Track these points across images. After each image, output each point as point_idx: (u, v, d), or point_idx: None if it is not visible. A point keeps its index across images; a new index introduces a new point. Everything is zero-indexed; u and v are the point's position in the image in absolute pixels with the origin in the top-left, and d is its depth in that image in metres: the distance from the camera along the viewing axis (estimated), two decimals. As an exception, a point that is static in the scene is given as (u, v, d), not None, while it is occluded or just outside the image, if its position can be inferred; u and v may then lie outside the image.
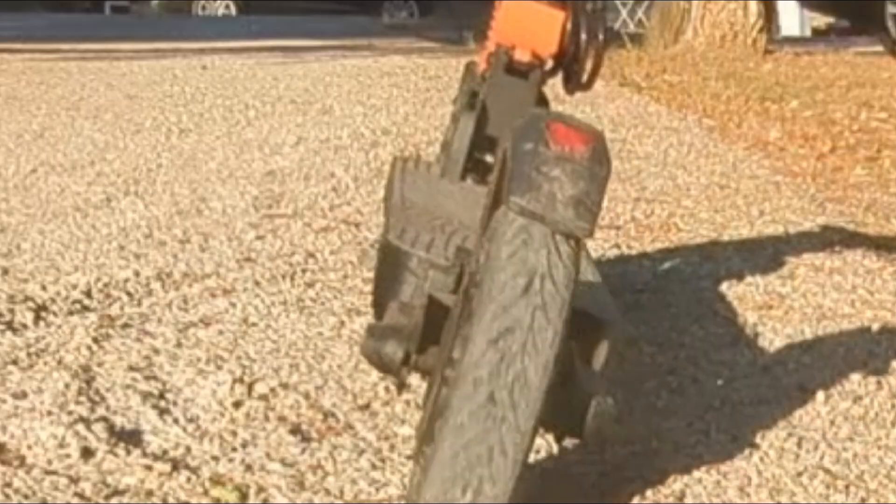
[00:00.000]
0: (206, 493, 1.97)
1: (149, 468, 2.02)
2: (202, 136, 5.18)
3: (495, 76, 2.49)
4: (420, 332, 1.90)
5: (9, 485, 1.95)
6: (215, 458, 2.08)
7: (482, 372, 1.72)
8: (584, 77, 2.51)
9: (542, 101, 2.62)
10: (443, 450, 1.72)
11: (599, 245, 3.58)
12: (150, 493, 1.96)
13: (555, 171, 1.76)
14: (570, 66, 2.50)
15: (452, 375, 1.76)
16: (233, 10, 19.42)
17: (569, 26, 2.45)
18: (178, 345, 2.62)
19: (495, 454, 1.72)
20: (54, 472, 2.00)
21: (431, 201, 2.38)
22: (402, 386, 1.96)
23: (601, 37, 2.46)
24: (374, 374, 2.48)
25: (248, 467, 2.07)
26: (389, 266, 2.10)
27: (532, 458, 2.16)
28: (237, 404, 2.31)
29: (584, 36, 2.44)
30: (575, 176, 1.76)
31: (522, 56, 2.47)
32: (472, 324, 1.74)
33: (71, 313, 2.80)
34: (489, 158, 2.44)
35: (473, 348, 1.72)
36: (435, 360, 1.89)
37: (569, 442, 2.25)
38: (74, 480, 1.98)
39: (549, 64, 2.53)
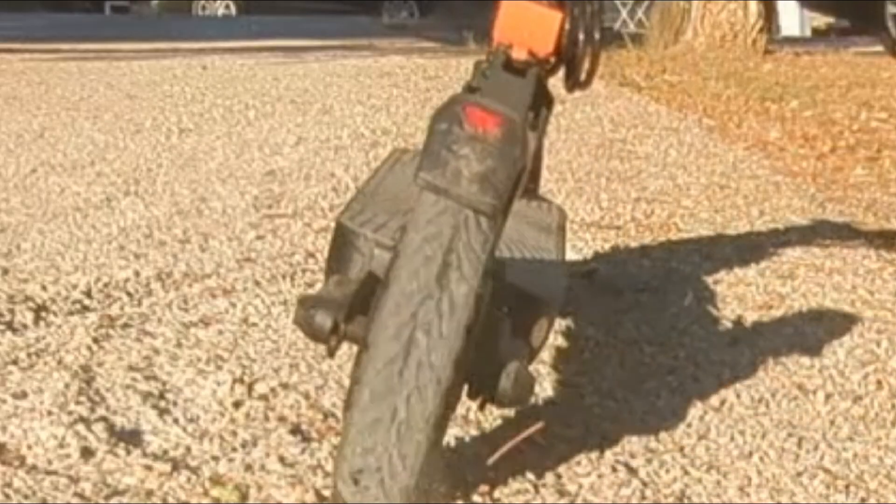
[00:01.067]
0: (206, 493, 1.97)
1: (149, 468, 2.02)
2: (202, 136, 5.18)
3: (492, 73, 2.52)
4: (349, 302, 1.96)
5: (9, 485, 1.95)
6: (215, 458, 2.08)
7: (390, 336, 1.84)
8: (582, 76, 2.56)
9: (547, 98, 2.66)
10: (357, 414, 1.83)
11: (600, 245, 3.58)
12: (150, 493, 1.96)
13: (464, 149, 1.86)
14: (569, 64, 2.55)
15: (366, 341, 1.86)
16: (233, 10, 19.43)
17: (567, 26, 2.51)
18: (178, 345, 2.62)
19: (404, 418, 1.82)
20: (54, 472, 2.00)
21: (408, 190, 2.39)
22: (331, 353, 2.01)
23: (597, 36, 2.52)
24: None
25: (249, 467, 2.07)
26: (339, 246, 2.16)
27: (534, 458, 2.16)
28: (237, 404, 2.31)
29: (581, 36, 2.52)
30: (484, 154, 1.86)
31: (519, 54, 2.51)
32: (385, 290, 1.85)
33: (71, 313, 2.80)
34: None
35: (384, 313, 1.83)
36: (363, 330, 1.94)
37: (569, 443, 2.25)
38: (74, 480, 1.98)
39: (552, 62, 2.55)
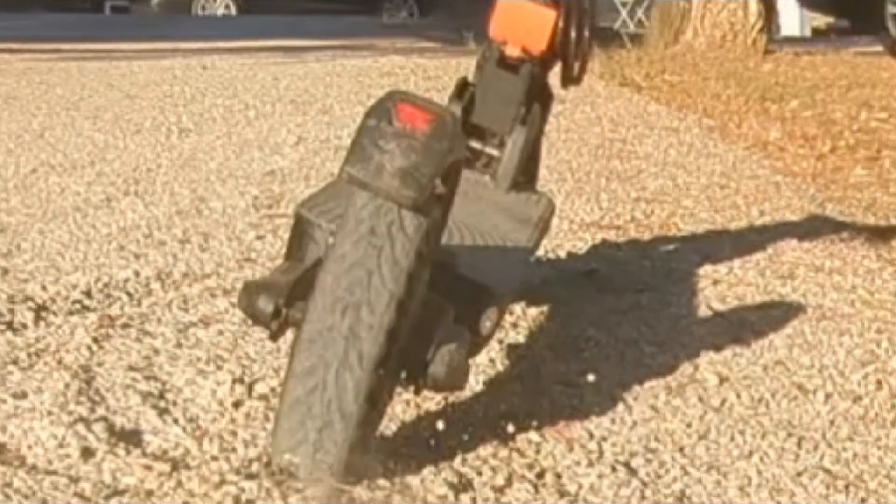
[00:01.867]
0: (206, 493, 1.97)
1: (149, 468, 2.02)
2: (202, 136, 5.18)
3: (487, 69, 2.67)
4: (291, 288, 2.03)
5: (9, 485, 1.95)
6: (215, 459, 2.08)
7: (322, 315, 1.92)
8: (575, 72, 2.72)
9: (544, 93, 2.76)
10: (289, 389, 1.94)
11: (600, 245, 3.58)
12: (150, 493, 1.96)
13: (390, 144, 1.91)
14: (563, 61, 2.71)
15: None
16: (233, 10, 19.42)
17: (561, 24, 2.62)
18: (178, 345, 2.62)
19: (327, 421, 1.91)
20: (54, 472, 2.00)
21: None
22: (274, 336, 2.08)
23: (587, 34, 2.65)
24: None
25: (249, 467, 2.06)
26: (297, 235, 2.24)
27: (535, 463, 2.16)
28: (237, 404, 2.31)
29: (573, 34, 2.63)
30: (409, 150, 1.91)
31: (512, 51, 2.64)
32: (311, 296, 1.94)
33: (71, 313, 2.80)
34: (476, 145, 2.63)
35: (318, 294, 1.92)
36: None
37: (569, 443, 2.25)
38: (74, 480, 1.98)
39: (552, 57, 2.71)
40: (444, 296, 2.08)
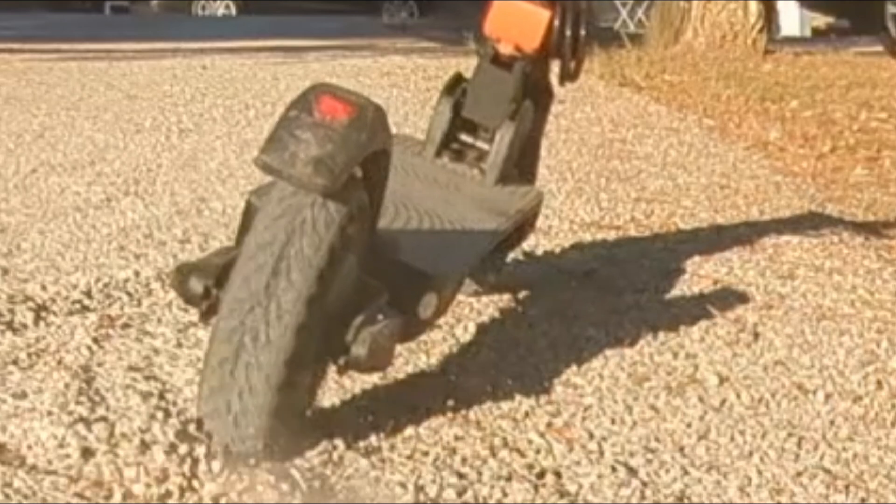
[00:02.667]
0: (207, 493, 1.97)
1: (149, 468, 2.02)
2: (202, 136, 5.18)
3: (481, 66, 2.77)
4: (221, 269, 2.08)
5: (9, 485, 1.95)
6: (215, 458, 2.08)
7: (223, 339, 1.98)
8: (570, 69, 2.81)
9: (539, 90, 2.91)
10: (201, 402, 2.00)
11: (600, 245, 3.58)
12: (150, 494, 1.96)
13: (306, 134, 1.97)
14: (559, 59, 2.80)
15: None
16: (233, 10, 19.43)
17: (556, 23, 2.72)
18: (178, 345, 2.62)
19: (238, 410, 1.99)
20: (54, 472, 2.00)
21: None
22: (204, 317, 2.12)
23: (583, 33, 2.73)
24: (375, 375, 2.49)
25: (248, 467, 2.06)
26: (245, 221, 2.29)
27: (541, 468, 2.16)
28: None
29: (568, 33, 2.72)
30: (324, 140, 1.96)
31: (506, 49, 2.74)
32: (224, 293, 2.01)
33: (71, 313, 2.80)
34: (467, 139, 2.76)
35: (234, 275, 1.98)
36: None
37: (568, 443, 2.25)
38: (74, 480, 1.98)
39: (547, 56, 2.81)
40: (381, 279, 2.15)
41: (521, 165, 2.93)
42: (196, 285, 2.12)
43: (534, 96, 2.87)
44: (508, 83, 2.76)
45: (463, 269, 2.47)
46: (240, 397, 1.98)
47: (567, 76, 2.85)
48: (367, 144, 2.03)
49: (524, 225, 2.89)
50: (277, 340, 1.97)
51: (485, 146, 2.80)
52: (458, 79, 2.85)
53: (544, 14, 2.73)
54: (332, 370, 2.19)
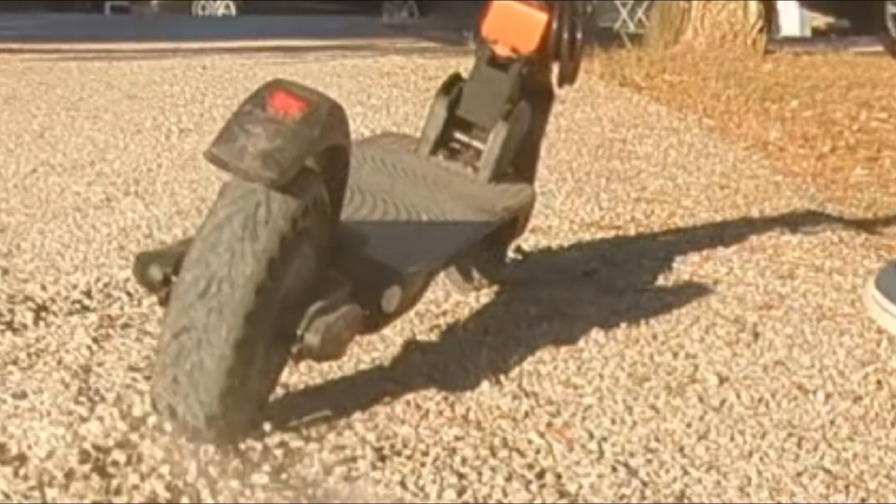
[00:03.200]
0: (209, 493, 1.97)
1: (149, 469, 2.02)
2: (202, 136, 5.18)
3: (478, 67, 2.85)
4: (180, 257, 2.11)
5: (9, 485, 1.95)
6: (215, 458, 2.08)
7: (176, 314, 2.03)
8: (568, 72, 2.88)
9: (542, 92, 2.98)
10: (160, 344, 2.06)
11: (600, 245, 3.58)
12: (150, 494, 1.96)
13: (257, 129, 2.02)
14: (557, 61, 2.86)
15: None
16: (233, 10, 19.43)
17: (554, 26, 2.78)
18: (178, 345, 2.61)
19: (190, 390, 2.04)
20: (54, 472, 2.00)
21: None
22: (164, 302, 2.15)
23: (579, 36, 2.79)
24: (374, 375, 2.49)
25: (249, 467, 2.07)
26: None
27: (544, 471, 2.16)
28: (237, 404, 2.31)
29: (565, 35, 2.78)
30: (275, 134, 2.01)
31: (502, 51, 2.81)
32: (179, 275, 2.06)
33: (71, 313, 2.80)
34: (462, 138, 2.84)
35: (187, 261, 2.04)
36: None
37: (569, 443, 2.25)
38: (75, 480, 1.98)
39: (544, 58, 2.87)
40: (344, 272, 2.22)
41: (519, 165, 2.97)
42: (156, 273, 2.16)
43: (532, 97, 2.92)
44: (504, 84, 2.82)
45: (432, 263, 2.51)
46: (189, 375, 2.03)
47: (565, 78, 2.91)
48: (319, 140, 2.07)
49: (514, 222, 2.93)
50: (228, 324, 2.01)
51: (480, 145, 2.85)
52: (455, 79, 2.91)
53: (542, 17, 2.79)
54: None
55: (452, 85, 2.90)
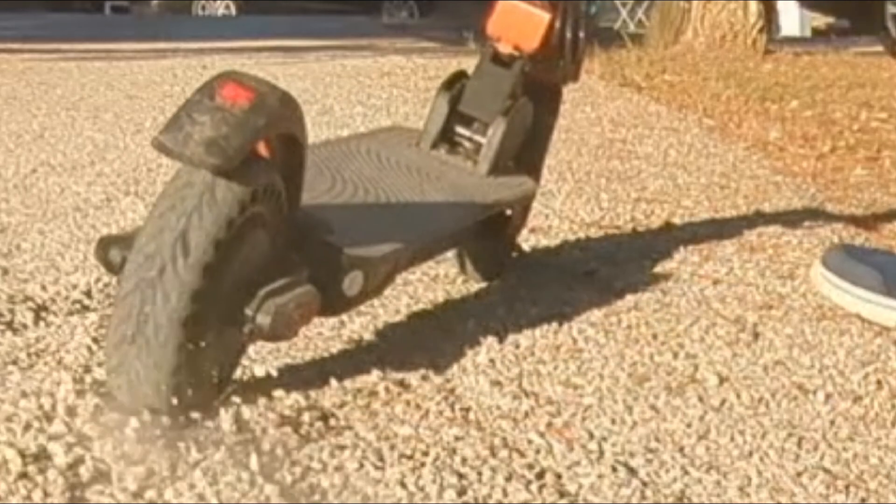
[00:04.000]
0: (208, 493, 1.97)
1: (149, 470, 2.02)
2: (202, 136, 5.17)
3: (481, 64, 2.93)
4: None
5: (10, 485, 1.95)
6: (214, 458, 2.08)
7: (139, 259, 2.10)
8: (570, 70, 2.97)
9: (546, 89, 3.05)
10: (111, 323, 2.12)
11: (600, 245, 3.58)
12: (149, 492, 1.96)
13: (204, 118, 2.07)
14: (559, 59, 2.95)
15: None
16: (233, 10, 19.43)
17: (557, 25, 2.88)
18: (178, 345, 2.61)
19: (139, 370, 2.11)
20: (54, 472, 2.00)
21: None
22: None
23: (581, 35, 2.89)
24: (374, 374, 2.49)
25: (248, 467, 2.07)
26: None
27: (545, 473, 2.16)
28: (237, 404, 2.31)
29: (568, 35, 2.88)
30: (221, 122, 2.06)
31: (505, 48, 2.90)
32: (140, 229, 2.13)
33: (71, 313, 2.80)
34: (465, 132, 2.93)
35: (137, 241, 2.10)
36: None
37: (568, 443, 2.25)
38: (75, 479, 1.98)
39: (548, 56, 2.93)
40: (305, 256, 2.30)
41: (522, 161, 3.02)
42: (115, 255, 2.22)
43: (537, 95, 2.98)
44: (506, 80, 2.89)
45: (400, 250, 2.55)
46: (138, 353, 2.09)
47: (567, 77, 2.99)
48: (265, 128, 2.12)
49: (507, 216, 2.99)
50: (172, 305, 2.07)
51: (481, 139, 2.91)
52: (458, 75, 2.97)
53: (545, 16, 2.86)
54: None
55: (455, 81, 2.96)
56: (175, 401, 2.13)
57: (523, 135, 2.99)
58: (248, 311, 2.19)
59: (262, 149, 2.20)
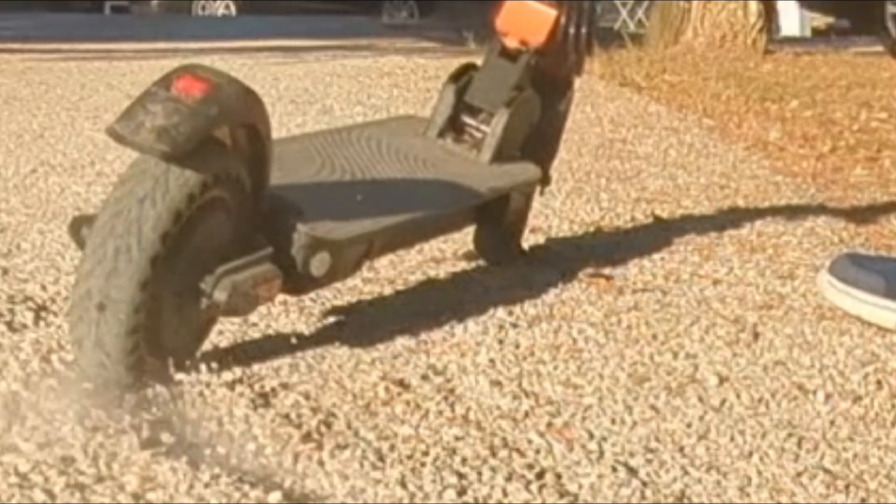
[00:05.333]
0: (208, 494, 1.97)
1: (150, 471, 2.02)
2: (202, 136, 5.17)
3: (489, 57, 3.08)
4: None
5: (9, 485, 1.95)
6: (214, 458, 2.08)
7: (80, 276, 2.21)
8: (575, 65, 3.10)
9: (555, 83, 3.17)
10: (71, 296, 2.25)
11: (600, 244, 3.58)
12: (150, 493, 1.96)
13: (156, 107, 2.18)
14: (566, 54, 3.07)
15: None
16: (233, 10, 19.43)
17: (562, 21, 3.01)
18: (178, 345, 2.61)
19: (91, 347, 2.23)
20: (54, 473, 2.00)
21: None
22: None
23: (584, 31, 3.02)
24: (374, 374, 2.49)
25: (248, 467, 2.07)
26: None
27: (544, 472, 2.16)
28: (237, 404, 2.31)
29: (572, 31, 3.01)
30: (173, 112, 2.18)
31: (511, 43, 3.03)
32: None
33: (71, 313, 2.80)
34: (471, 122, 3.05)
35: (95, 225, 2.23)
36: None
37: (568, 443, 2.25)
38: (75, 477, 1.98)
39: (555, 51, 3.04)
40: (270, 237, 2.42)
41: (531, 151, 3.13)
42: (86, 233, 2.30)
43: (545, 88, 3.11)
44: (512, 73, 3.01)
45: (373, 233, 2.65)
46: (97, 326, 2.20)
47: (571, 70, 3.12)
48: (217, 118, 2.23)
49: (505, 203, 3.08)
50: (128, 283, 2.18)
51: (486, 129, 3.03)
52: (465, 68, 3.10)
53: (551, 13, 3.00)
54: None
55: (463, 73, 3.07)
56: (135, 372, 2.24)
57: (529, 126, 3.09)
58: (205, 287, 2.31)
59: (226, 137, 2.33)
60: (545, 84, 3.09)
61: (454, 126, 3.06)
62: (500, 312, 2.94)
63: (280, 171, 2.57)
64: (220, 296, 2.30)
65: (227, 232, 2.38)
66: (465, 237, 3.52)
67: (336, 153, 2.86)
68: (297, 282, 2.51)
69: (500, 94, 3.01)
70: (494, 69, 3.05)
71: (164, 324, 2.30)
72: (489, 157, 2.99)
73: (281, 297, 2.94)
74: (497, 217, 3.12)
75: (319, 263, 2.50)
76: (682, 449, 2.26)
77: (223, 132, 2.33)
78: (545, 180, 3.22)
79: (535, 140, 3.12)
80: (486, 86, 3.03)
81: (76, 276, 2.25)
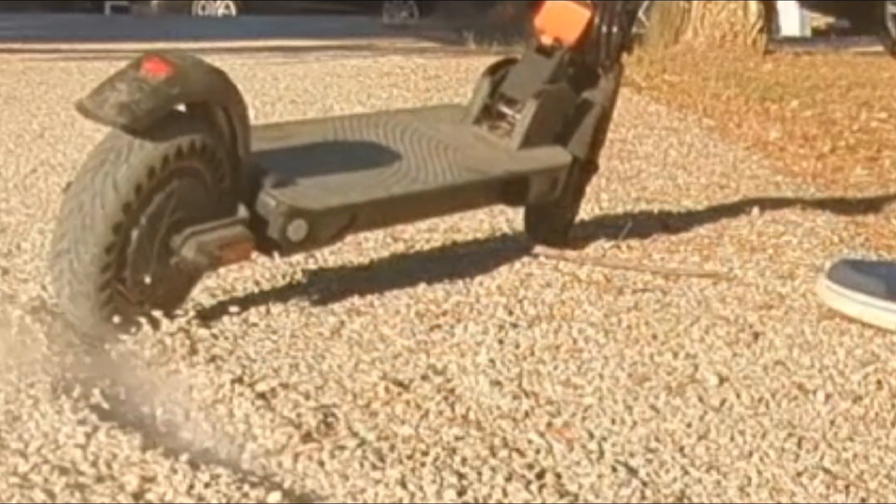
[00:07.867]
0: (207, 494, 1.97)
1: (149, 469, 2.02)
2: (202, 136, 5.17)
3: (526, 53, 3.32)
4: None
5: (10, 485, 1.95)
6: (214, 458, 2.08)
7: (69, 205, 2.45)
8: (605, 60, 3.32)
9: (593, 78, 3.37)
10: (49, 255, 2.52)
11: (600, 244, 3.58)
12: (150, 493, 1.96)
13: (122, 85, 2.41)
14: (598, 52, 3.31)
15: None
16: (233, 10, 19.43)
17: (596, 20, 3.25)
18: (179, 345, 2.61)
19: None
20: (54, 472, 2.00)
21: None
22: None
23: (615, 30, 3.26)
24: (374, 374, 2.49)
25: (248, 467, 2.07)
26: None
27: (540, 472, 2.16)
28: (237, 404, 2.31)
29: (604, 29, 3.25)
30: (136, 90, 2.40)
31: (546, 40, 3.28)
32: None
33: (71, 313, 2.79)
34: (507, 110, 3.26)
35: (66, 194, 2.49)
36: None
37: (568, 443, 2.25)
38: (76, 477, 1.98)
39: (590, 48, 3.31)
40: (248, 203, 2.63)
41: (567, 140, 3.33)
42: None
43: (578, 82, 3.32)
44: (546, 67, 3.24)
45: (357, 206, 2.82)
46: (69, 285, 2.45)
47: (602, 66, 3.33)
48: (179, 97, 2.45)
49: (526, 184, 3.23)
50: (98, 237, 2.42)
51: (518, 116, 3.24)
52: (503, 62, 3.33)
53: (586, 13, 3.24)
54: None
55: (500, 67, 3.30)
56: (106, 308, 2.47)
57: (562, 116, 3.28)
58: (174, 246, 2.53)
59: (198, 114, 2.54)
60: (585, 80, 3.31)
61: (491, 114, 3.27)
62: (500, 312, 2.94)
63: (292, 147, 2.83)
64: (187, 253, 2.52)
65: (199, 197, 2.56)
66: (464, 237, 3.53)
67: (356, 135, 3.04)
68: (276, 245, 2.70)
69: (532, 86, 3.22)
70: (530, 63, 3.27)
71: (152, 274, 2.51)
72: (518, 143, 3.19)
73: (281, 297, 2.95)
74: (519, 198, 3.29)
75: (295, 230, 2.69)
76: (682, 449, 2.26)
77: (197, 110, 2.53)
78: (591, 168, 3.45)
79: (571, 130, 3.31)
80: (522, 79, 3.25)
81: (52, 239, 2.47)
